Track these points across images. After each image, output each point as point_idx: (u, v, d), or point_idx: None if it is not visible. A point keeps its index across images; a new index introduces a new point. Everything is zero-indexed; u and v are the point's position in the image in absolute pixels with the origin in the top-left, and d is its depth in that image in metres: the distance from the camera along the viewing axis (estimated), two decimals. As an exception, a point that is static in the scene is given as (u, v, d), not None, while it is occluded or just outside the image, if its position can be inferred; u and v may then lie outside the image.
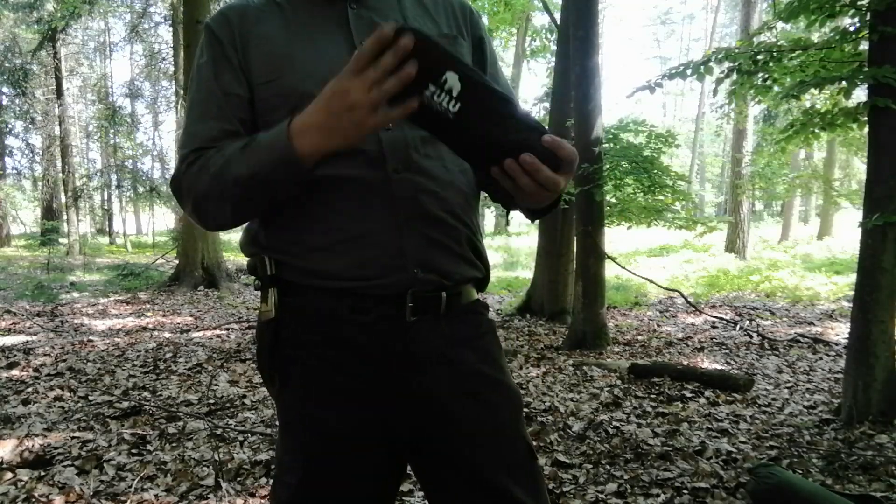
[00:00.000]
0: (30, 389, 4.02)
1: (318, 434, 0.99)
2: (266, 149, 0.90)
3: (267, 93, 0.99)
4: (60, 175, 17.91)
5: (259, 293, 1.02)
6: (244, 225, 1.07)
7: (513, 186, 0.87)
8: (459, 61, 0.85)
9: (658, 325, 6.79)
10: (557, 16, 7.54)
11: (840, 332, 6.08)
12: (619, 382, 4.34)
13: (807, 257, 13.45)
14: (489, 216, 23.35)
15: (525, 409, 1.16)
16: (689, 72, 3.75)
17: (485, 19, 11.57)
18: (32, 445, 2.96)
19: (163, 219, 26.11)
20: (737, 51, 3.82)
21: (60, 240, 16.78)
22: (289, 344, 1.00)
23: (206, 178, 0.95)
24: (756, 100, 5.42)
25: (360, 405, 0.99)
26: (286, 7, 1.04)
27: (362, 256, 0.96)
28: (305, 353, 0.99)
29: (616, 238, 12.11)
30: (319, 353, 0.99)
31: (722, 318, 6.93)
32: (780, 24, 4.17)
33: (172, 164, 19.22)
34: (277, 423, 1.06)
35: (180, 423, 3.33)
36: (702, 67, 3.72)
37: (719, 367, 4.91)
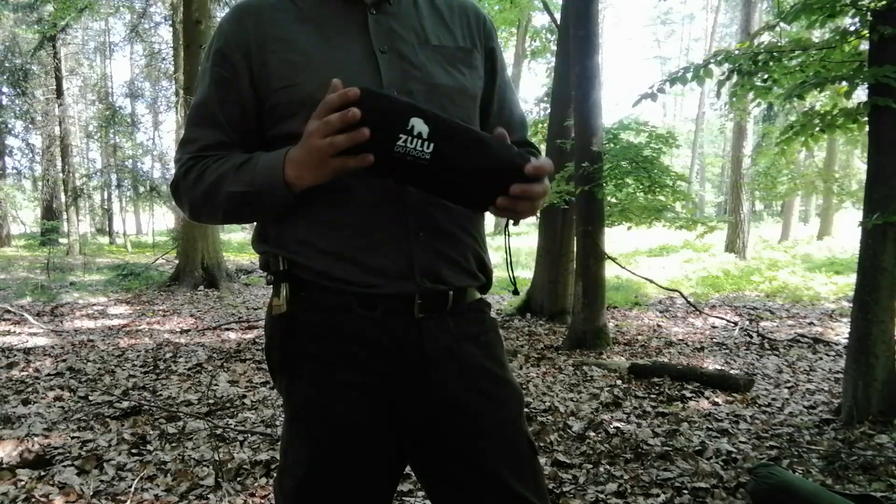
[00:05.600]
0: (30, 389, 4.02)
1: (327, 426, 1.00)
2: (261, 172, 0.95)
3: (282, 98, 0.99)
4: (60, 175, 17.89)
5: (271, 290, 1.04)
6: (249, 224, 1.09)
7: (512, 213, 0.95)
8: (418, 107, 0.89)
9: (658, 325, 6.79)
10: (557, 16, 7.54)
11: (840, 332, 6.08)
12: (619, 382, 4.34)
13: (807, 257, 13.44)
14: (489, 216, 23.29)
15: (525, 409, 1.17)
16: (689, 76, 3.75)
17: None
18: (32, 445, 2.96)
19: (163, 219, 26.09)
20: (737, 52, 3.82)
21: (60, 240, 16.78)
22: (300, 337, 1.01)
23: (201, 188, 1.00)
24: (756, 103, 5.41)
25: (371, 398, 1.00)
26: (303, 7, 1.03)
27: (372, 264, 0.98)
28: (317, 346, 1.01)
29: (616, 238, 12.10)
30: (331, 346, 1.00)
31: (722, 318, 6.93)
32: (781, 25, 4.16)
33: (172, 164, 19.20)
34: (283, 417, 1.07)
35: (180, 423, 3.33)
36: (701, 71, 3.71)
37: (719, 367, 4.91)
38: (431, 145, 0.88)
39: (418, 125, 0.88)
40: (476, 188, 0.94)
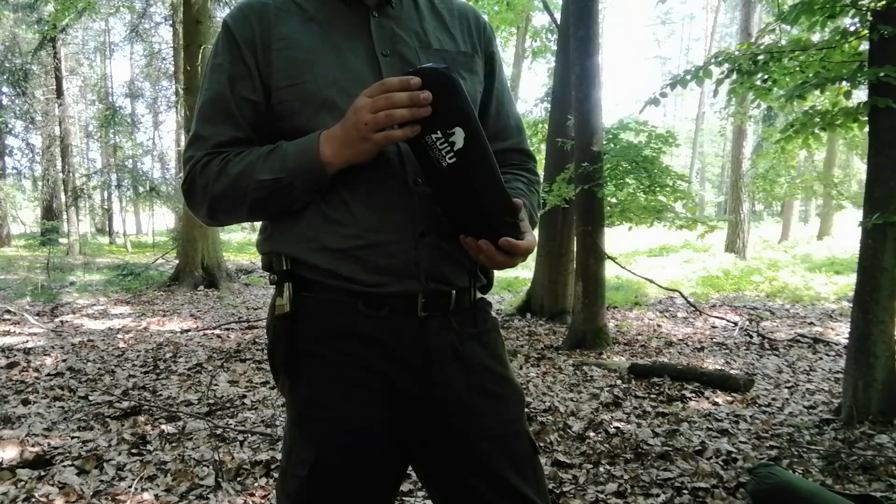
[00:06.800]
0: (30, 389, 4.02)
1: (330, 426, 1.00)
2: (293, 156, 0.95)
3: (286, 96, 1.00)
4: (60, 175, 17.90)
5: (271, 290, 1.04)
6: (248, 224, 1.08)
7: (487, 260, 0.98)
8: (475, 122, 0.91)
9: (658, 325, 6.79)
10: (557, 16, 7.54)
11: (840, 332, 6.08)
12: (619, 382, 4.34)
13: (807, 257, 13.44)
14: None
15: (525, 409, 1.18)
16: (689, 77, 3.75)
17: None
18: (32, 445, 2.96)
19: (163, 219, 26.08)
20: (737, 52, 3.82)
21: (60, 240, 16.75)
22: (304, 337, 1.01)
23: (224, 182, 0.98)
24: (755, 104, 5.42)
25: (375, 397, 1.00)
26: (307, 8, 1.03)
27: (377, 264, 0.98)
28: (321, 346, 1.01)
29: (616, 238, 12.09)
30: (335, 345, 1.00)
31: (722, 318, 6.93)
32: (781, 26, 4.16)
33: (172, 164, 19.24)
34: (284, 417, 1.08)
35: (180, 423, 3.33)
36: (701, 72, 3.72)
37: (719, 367, 4.91)
38: (455, 158, 0.89)
39: (458, 135, 0.89)
40: (463, 218, 0.96)
